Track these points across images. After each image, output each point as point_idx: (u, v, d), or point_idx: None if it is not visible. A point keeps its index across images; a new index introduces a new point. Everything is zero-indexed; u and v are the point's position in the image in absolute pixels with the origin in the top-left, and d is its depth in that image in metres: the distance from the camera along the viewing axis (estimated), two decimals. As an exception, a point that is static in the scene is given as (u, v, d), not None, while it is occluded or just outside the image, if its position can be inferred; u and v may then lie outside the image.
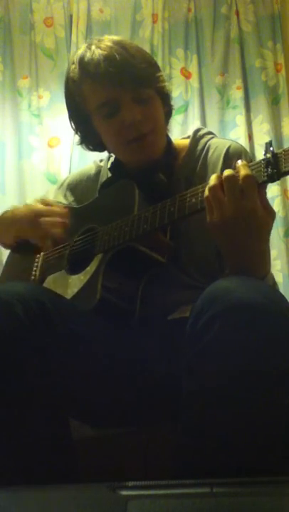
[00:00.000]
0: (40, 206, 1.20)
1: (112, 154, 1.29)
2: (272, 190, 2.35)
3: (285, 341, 0.75)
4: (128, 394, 1.01)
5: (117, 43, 1.10)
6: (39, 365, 0.82)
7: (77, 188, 1.36)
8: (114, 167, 1.26)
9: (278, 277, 2.31)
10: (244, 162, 0.91)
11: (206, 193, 0.91)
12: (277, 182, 2.36)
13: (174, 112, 1.26)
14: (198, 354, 0.78)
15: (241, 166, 0.90)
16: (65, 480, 0.79)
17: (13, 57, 2.54)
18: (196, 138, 1.23)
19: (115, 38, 1.13)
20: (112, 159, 1.29)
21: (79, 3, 2.58)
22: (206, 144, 1.21)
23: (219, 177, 0.91)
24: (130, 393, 1.01)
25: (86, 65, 1.10)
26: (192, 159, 1.19)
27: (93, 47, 1.10)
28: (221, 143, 1.20)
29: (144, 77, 1.10)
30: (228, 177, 0.89)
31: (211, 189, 0.90)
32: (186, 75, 2.53)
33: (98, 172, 1.33)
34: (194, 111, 2.47)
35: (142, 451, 1.00)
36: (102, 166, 1.33)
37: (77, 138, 1.25)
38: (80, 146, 1.26)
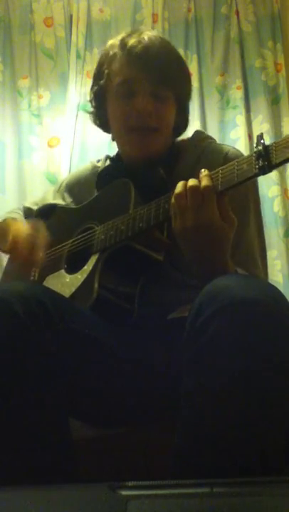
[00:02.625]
0: (22, 232, 1.19)
1: (110, 155, 1.30)
2: (272, 190, 2.35)
3: (285, 339, 0.75)
4: (128, 394, 1.01)
5: (160, 37, 1.16)
6: (39, 364, 0.82)
7: (74, 188, 1.37)
8: (114, 159, 1.27)
9: (278, 277, 2.31)
10: (206, 172, 0.94)
11: (172, 200, 0.94)
12: (278, 182, 2.37)
13: (187, 125, 1.28)
14: (197, 352, 0.78)
15: (203, 176, 0.93)
16: (65, 480, 0.79)
17: (13, 57, 2.54)
18: (195, 141, 1.24)
19: (160, 34, 1.20)
20: (108, 162, 1.31)
21: (79, 3, 2.58)
22: (205, 148, 1.23)
23: (184, 185, 0.94)
24: (130, 393, 1.01)
25: (126, 43, 1.15)
26: (192, 161, 1.20)
27: (138, 33, 1.16)
28: (220, 148, 1.22)
29: (171, 75, 1.14)
30: (191, 187, 0.92)
31: (176, 196, 0.94)
32: (186, 74, 2.53)
33: (95, 172, 1.34)
34: (194, 111, 2.47)
35: (142, 451, 1.00)
36: (99, 167, 1.35)
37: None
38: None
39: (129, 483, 0.58)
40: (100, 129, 1.30)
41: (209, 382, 0.75)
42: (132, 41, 1.14)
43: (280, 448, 0.73)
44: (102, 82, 1.20)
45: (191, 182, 0.93)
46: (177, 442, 0.78)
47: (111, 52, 1.18)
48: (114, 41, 1.19)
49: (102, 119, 1.26)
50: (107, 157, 1.33)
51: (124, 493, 0.56)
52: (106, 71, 1.18)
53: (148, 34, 1.15)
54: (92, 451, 0.99)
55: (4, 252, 1.30)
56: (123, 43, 1.16)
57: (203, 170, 0.95)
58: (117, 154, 1.30)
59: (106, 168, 1.27)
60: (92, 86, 1.25)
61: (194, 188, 0.92)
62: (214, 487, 0.57)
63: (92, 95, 1.25)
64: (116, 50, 1.17)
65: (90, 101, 1.27)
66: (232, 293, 0.77)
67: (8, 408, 0.79)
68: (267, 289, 0.80)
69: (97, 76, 1.22)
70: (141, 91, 1.13)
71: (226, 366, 0.74)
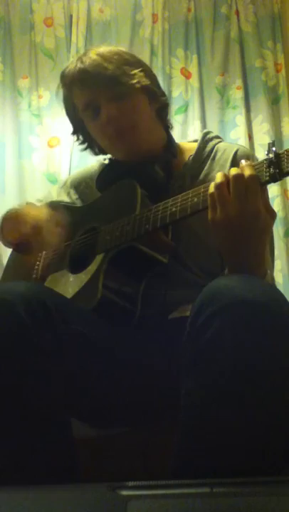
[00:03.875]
0: (42, 213, 1.19)
1: None
2: (273, 190, 2.35)
3: (285, 339, 0.75)
4: (129, 393, 1.01)
5: (96, 52, 1.17)
6: (40, 364, 0.82)
7: (80, 185, 1.36)
8: (112, 160, 1.27)
9: (278, 277, 2.31)
10: (249, 162, 0.91)
11: (211, 189, 0.91)
12: (278, 182, 2.37)
13: (173, 113, 1.28)
14: (198, 352, 0.77)
15: (246, 166, 0.90)
16: (65, 480, 0.79)
17: (13, 57, 2.54)
18: (204, 140, 1.25)
19: (101, 48, 1.19)
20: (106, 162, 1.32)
21: (79, 3, 2.58)
22: (214, 146, 1.24)
23: (226, 175, 0.91)
24: (131, 393, 1.01)
25: (64, 79, 1.20)
26: (200, 160, 1.21)
27: (75, 60, 1.19)
28: (229, 146, 1.23)
29: (113, 76, 1.14)
30: (235, 176, 0.89)
31: (217, 186, 0.90)
32: (186, 75, 2.53)
33: (102, 170, 1.33)
34: (194, 111, 2.47)
35: (142, 451, 1.00)
36: (106, 164, 1.34)
37: (81, 146, 1.31)
38: (79, 146, 1.30)
39: (129, 483, 0.58)
40: (100, 154, 1.31)
41: (209, 382, 0.75)
42: (68, 73, 1.19)
43: (280, 448, 0.73)
44: (76, 118, 1.25)
45: (235, 171, 0.90)
46: (177, 442, 0.78)
47: (63, 90, 1.23)
48: (60, 83, 1.23)
49: (94, 146, 1.28)
50: None
51: (124, 493, 0.56)
52: (70, 107, 1.24)
53: (82, 59, 1.17)
54: (92, 451, 0.99)
55: (23, 236, 1.26)
56: (62, 79, 1.21)
57: (243, 160, 0.92)
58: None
59: (103, 172, 1.27)
60: (73, 128, 1.28)
61: (239, 177, 0.89)
62: (214, 487, 0.56)
63: (74, 133, 1.29)
64: (62, 88, 1.22)
65: (77, 138, 1.29)
66: (233, 293, 0.77)
67: (9, 408, 0.79)
68: (267, 290, 0.80)
69: (71, 118, 1.27)
70: (101, 104, 1.15)
71: (226, 366, 0.74)
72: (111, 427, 1.06)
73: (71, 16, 2.60)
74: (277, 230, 2.34)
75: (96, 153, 1.30)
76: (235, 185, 0.89)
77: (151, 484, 0.58)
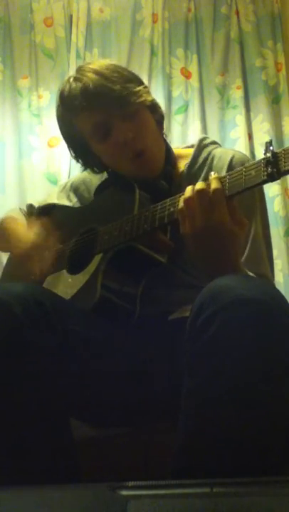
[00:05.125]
0: (29, 237, 1.20)
1: None
2: (273, 190, 2.35)
3: (285, 338, 0.75)
4: (128, 394, 1.01)
5: (93, 71, 1.13)
6: (38, 365, 0.82)
7: (80, 188, 1.37)
8: (112, 172, 1.27)
9: (278, 277, 2.31)
10: (215, 175, 0.94)
11: (181, 204, 0.94)
12: (278, 181, 2.37)
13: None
14: (198, 351, 0.78)
15: (213, 179, 0.93)
16: (65, 480, 0.79)
17: (13, 57, 2.54)
18: (200, 146, 1.25)
19: (94, 65, 1.16)
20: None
21: (79, 3, 2.58)
22: (210, 153, 1.23)
23: (193, 189, 0.94)
24: (131, 393, 1.01)
25: (66, 101, 1.16)
26: (196, 167, 1.21)
27: (71, 80, 1.15)
28: (225, 153, 1.22)
29: (121, 96, 1.12)
30: (199, 190, 0.92)
31: (185, 201, 0.94)
32: (186, 74, 2.53)
33: (101, 175, 1.34)
34: (194, 111, 2.47)
35: (142, 451, 1.00)
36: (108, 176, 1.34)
37: (79, 166, 1.28)
38: (76, 163, 1.28)
39: (129, 483, 0.58)
40: (101, 173, 1.29)
41: (210, 381, 0.75)
42: (69, 94, 1.14)
43: (280, 448, 0.73)
44: (77, 141, 1.21)
45: (199, 185, 0.93)
46: (178, 442, 0.78)
47: (62, 114, 1.19)
48: (57, 102, 1.19)
49: (98, 165, 1.25)
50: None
51: (124, 493, 0.56)
52: (71, 130, 1.20)
53: (79, 76, 1.14)
54: (92, 451, 0.99)
55: (5, 251, 1.30)
56: (63, 100, 1.17)
57: (212, 173, 0.95)
58: None
59: (104, 183, 1.27)
60: (70, 147, 1.25)
61: (203, 191, 0.92)
62: (214, 487, 0.56)
63: (74, 154, 1.25)
64: (62, 109, 1.18)
65: (76, 160, 1.26)
66: (233, 293, 0.77)
67: (8, 409, 0.79)
68: (267, 289, 0.80)
69: (68, 138, 1.23)
70: (113, 125, 1.13)
71: (226, 365, 0.74)
72: (111, 427, 1.07)
73: (71, 16, 2.59)
74: (278, 229, 2.34)
75: (95, 172, 1.28)
76: (200, 199, 0.92)
77: (151, 484, 0.58)
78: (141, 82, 1.20)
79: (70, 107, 1.16)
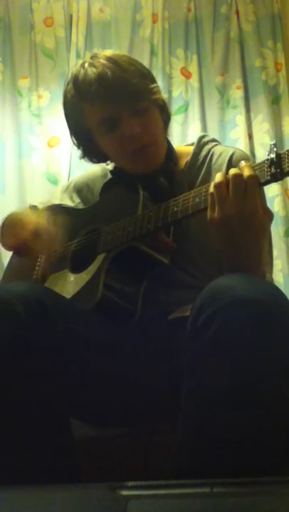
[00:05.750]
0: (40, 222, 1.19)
1: None
2: (273, 190, 2.35)
3: (286, 338, 0.75)
4: (129, 394, 1.01)
5: (109, 59, 1.11)
6: (40, 364, 0.82)
7: (83, 189, 1.37)
8: (115, 171, 1.26)
9: (278, 277, 2.31)
10: (248, 163, 0.93)
11: (211, 189, 0.93)
12: (279, 182, 2.37)
13: (173, 112, 1.27)
14: (199, 351, 0.78)
15: (246, 167, 0.91)
16: (65, 480, 0.79)
17: (13, 57, 2.54)
18: (200, 144, 1.24)
19: (109, 53, 1.14)
20: (109, 175, 1.31)
21: (79, 3, 2.58)
22: (210, 150, 1.23)
23: (225, 175, 0.92)
24: (131, 393, 1.01)
25: (80, 86, 1.12)
26: (196, 165, 1.21)
27: (86, 65, 1.12)
28: (225, 150, 1.22)
29: (138, 91, 1.11)
30: (235, 175, 0.91)
31: (216, 186, 0.92)
32: (186, 74, 2.53)
33: (105, 174, 1.34)
34: (194, 111, 2.47)
35: (142, 451, 1.00)
36: (108, 169, 1.34)
37: (79, 152, 1.26)
38: (77, 149, 1.27)
39: (129, 483, 0.58)
40: (99, 163, 1.29)
41: (210, 381, 0.75)
42: (84, 80, 1.11)
43: (280, 447, 0.73)
44: (80, 127, 1.19)
45: (234, 171, 0.91)
46: (178, 442, 0.78)
47: (72, 99, 1.16)
48: (69, 86, 1.16)
49: (97, 155, 1.24)
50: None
51: (124, 493, 0.56)
52: (78, 117, 1.17)
53: (96, 63, 1.11)
54: (92, 451, 0.99)
55: (12, 247, 1.27)
56: (77, 86, 1.12)
57: (243, 161, 0.93)
58: (118, 166, 1.28)
59: (108, 182, 1.27)
60: (72, 133, 1.22)
61: (238, 177, 0.90)
62: (214, 487, 0.57)
63: (76, 142, 1.23)
64: (74, 94, 1.15)
65: (78, 147, 1.24)
66: (233, 292, 0.77)
67: (9, 408, 0.79)
68: (268, 289, 0.80)
69: (73, 124, 1.21)
70: (121, 118, 1.11)
71: (226, 365, 0.74)
72: (111, 427, 1.06)
73: (71, 16, 2.60)
74: (278, 229, 2.34)
75: (93, 162, 1.27)
76: (234, 185, 0.90)
77: (151, 484, 0.58)
78: (154, 80, 1.20)
79: (83, 93, 1.12)
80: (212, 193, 0.92)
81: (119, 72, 1.10)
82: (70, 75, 1.17)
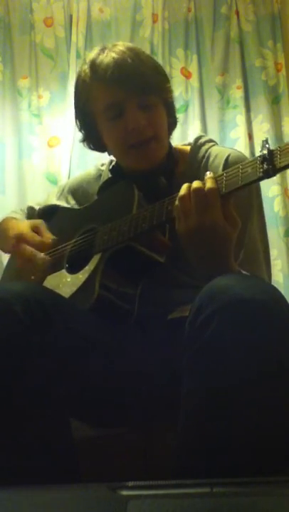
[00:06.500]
0: (25, 233, 1.22)
1: (113, 159, 1.30)
2: (273, 190, 2.35)
3: (284, 338, 0.75)
4: (128, 394, 1.01)
5: (130, 49, 1.13)
6: (39, 364, 0.82)
7: (78, 191, 1.37)
8: (114, 170, 1.26)
9: (278, 277, 2.31)
10: (211, 175, 0.94)
11: (176, 202, 0.95)
12: (278, 181, 2.37)
13: (177, 122, 1.27)
14: (198, 351, 0.78)
15: (208, 179, 0.94)
16: (65, 480, 0.79)
17: (13, 57, 2.54)
18: (197, 145, 1.24)
19: (130, 44, 1.17)
20: (113, 163, 1.30)
21: (79, 3, 2.58)
22: (206, 151, 1.23)
23: (188, 187, 0.94)
24: (130, 393, 1.01)
25: (97, 67, 1.12)
26: (193, 166, 1.21)
27: (107, 50, 1.13)
28: (222, 151, 1.21)
29: (151, 84, 1.12)
30: (195, 189, 0.93)
31: (180, 199, 0.94)
32: (186, 74, 2.53)
33: (99, 176, 1.34)
34: (194, 111, 2.47)
35: (142, 451, 1.00)
36: (103, 170, 1.35)
37: (80, 135, 1.27)
38: (80, 146, 1.28)
39: (129, 483, 0.58)
40: (96, 151, 1.29)
41: (209, 381, 0.75)
42: (102, 63, 1.11)
43: (280, 448, 0.73)
44: (86, 109, 1.19)
45: (196, 184, 0.94)
46: (178, 442, 0.78)
47: (86, 79, 1.16)
48: (84, 67, 1.17)
49: (96, 142, 1.24)
50: (111, 161, 1.33)
51: (124, 493, 0.56)
52: (86, 99, 1.17)
53: (116, 50, 1.12)
54: (92, 451, 0.99)
55: (6, 252, 1.30)
56: (94, 67, 1.13)
57: (208, 172, 0.95)
58: (117, 164, 1.29)
59: (107, 181, 1.27)
60: (77, 115, 1.23)
61: (198, 190, 0.92)
62: (214, 487, 0.57)
63: (79, 124, 1.24)
64: (89, 75, 1.15)
65: (80, 130, 1.25)
66: (232, 292, 0.77)
67: (8, 408, 0.79)
68: (266, 289, 0.80)
69: (80, 105, 1.21)
70: (128, 108, 1.12)
71: (225, 365, 0.74)
72: (111, 427, 1.06)
73: (71, 16, 2.59)
74: (278, 229, 2.34)
75: (90, 148, 1.27)
76: (195, 199, 0.92)
77: (151, 484, 0.58)
78: (169, 81, 1.22)
79: (100, 74, 1.12)
80: (177, 206, 0.95)
81: (138, 61, 1.12)
82: (87, 58, 1.18)
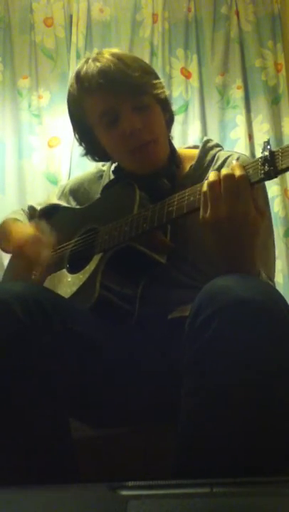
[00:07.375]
0: (27, 234, 1.21)
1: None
2: (273, 190, 2.35)
3: (284, 339, 0.75)
4: (128, 394, 1.01)
5: (113, 54, 1.12)
6: (38, 364, 0.82)
7: (78, 192, 1.37)
8: (117, 171, 1.26)
9: (278, 277, 2.31)
10: (239, 163, 0.92)
11: (204, 188, 0.92)
12: (278, 182, 2.37)
13: (173, 109, 1.26)
14: (197, 352, 0.78)
15: (236, 166, 0.91)
16: (65, 480, 0.79)
17: (13, 57, 2.54)
18: (205, 148, 1.24)
19: (113, 50, 1.15)
20: (115, 164, 1.30)
21: (79, 3, 2.58)
22: (214, 155, 1.22)
23: (218, 174, 0.92)
24: (130, 393, 1.01)
25: (82, 79, 1.13)
26: (200, 169, 1.21)
27: (90, 60, 1.13)
28: (231, 155, 1.21)
29: (139, 85, 1.11)
30: (226, 175, 0.90)
31: (209, 185, 0.91)
32: (186, 74, 2.53)
33: (100, 176, 1.34)
34: (194, 111, 2.47)
35: (142, 451, 1.00)
36: (104, 171, 1.35)
37: (81, 149, 1.27)
38: (79, 146, 1.27)
39: (129, 483, 0.58)
40: (101, 162, 1.29)
41: (209, 382, 0.75)
42: (86, 73, 1.11)
43: (280, 448, 0.73)
44: (82, 122, 1.19)
45: (226, 171, 0.91)
46: (178, 442, 0.78)
47: (74, 93, 1.16)
48: (72, 81, 1.17)
49: (99, 153, 1.24)
50: (113, 162, 1.33)
51: (124, 493, 0.56)
52: (80, 112, 1.17)
53: (99, 58, 1.12)
54: (92, 451, 0.99)
55: (7, 252, 1.30)
56: (79, 79, 1.13)
57: (234, 161, 0.93)
58: (119, 165, 1.28)
59: (110, 183, 1.27)
60: (74, 129, 1.23)
61: (230, 176, 0.90)
62: (214, 487, 0.56)
63: (78, 138, 1.24)
64: (76, 88, 1.15)
65: (80, 144, 1.25)
66: (231, 293, 0.77)
67: (8, 409, 0.79)
68: (266, 290, 0.80)
69: (76, 120, 1.21)
70: (122, 112, 1.11)
71: (225, 366, 0.74)
72: (111, 427, 1.06)
73: (71, 16, 2.60)
74: (278, 229, 2.34)
75: (95, 160, 1.27)
76: (226, 185, 0.89)
77: (151, 484, 0.58)
78: (158, 77, 1.20)
79: (85, 86, 1.12)
80: (205, 192, 0.92)
81: (122, 66, 1.10)
82: (74, 72, 1.18)
